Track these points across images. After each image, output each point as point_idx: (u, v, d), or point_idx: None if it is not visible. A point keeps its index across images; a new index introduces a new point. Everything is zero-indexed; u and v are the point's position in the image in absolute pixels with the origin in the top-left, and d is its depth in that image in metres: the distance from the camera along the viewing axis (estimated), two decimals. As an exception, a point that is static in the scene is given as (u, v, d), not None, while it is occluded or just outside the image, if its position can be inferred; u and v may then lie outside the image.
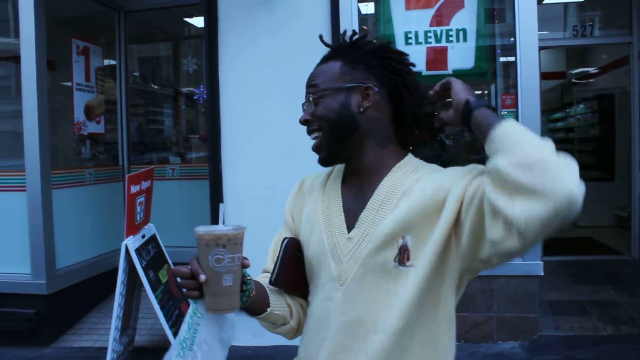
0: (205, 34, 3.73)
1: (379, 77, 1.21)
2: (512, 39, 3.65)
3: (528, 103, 3.61)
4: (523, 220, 0.90)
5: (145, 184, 3.58)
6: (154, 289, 3.35)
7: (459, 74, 3.83)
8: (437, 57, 3.74)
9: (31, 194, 4.03)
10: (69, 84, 4.65)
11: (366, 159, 1.22)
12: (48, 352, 4.03)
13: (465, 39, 3.72)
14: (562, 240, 6.38)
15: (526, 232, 0.91)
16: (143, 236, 3.53)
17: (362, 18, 3.97)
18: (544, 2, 6.11)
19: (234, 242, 1.03)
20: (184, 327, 1.11)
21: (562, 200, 0.88)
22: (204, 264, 1.03)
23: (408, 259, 1.11)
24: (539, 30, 3.62)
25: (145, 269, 3.34)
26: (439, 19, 3.73)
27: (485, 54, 3.83)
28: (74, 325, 4.37)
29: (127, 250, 3.30)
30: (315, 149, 1.24)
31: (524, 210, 0.90)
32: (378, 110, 1.21)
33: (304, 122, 1.25)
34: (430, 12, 3.76)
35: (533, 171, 0.91)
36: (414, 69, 1.28)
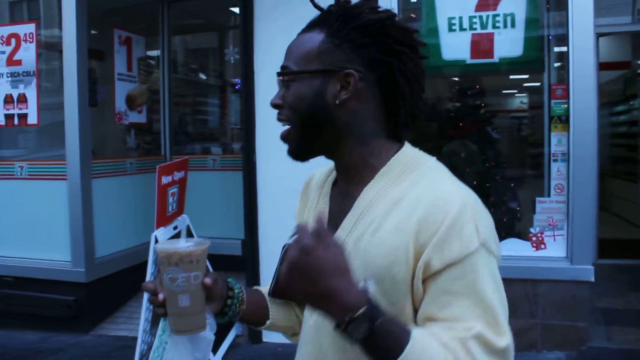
0: (241, 23, 3.65)
1: (368, 59, 0.97)
2: (565, 23, 3.38)
3: (581, 94, 3.33)
4: None
5: (178, 175, 3.54)
6: (184, 282, 3.31)
7: (507, 62, 3.59)
8: (483, 44, 3.51)
9: (71, 183, 4.10)
10: (115, 74, 4.70)
11: (345, 158, 1.02)
12: (87, 339, 4.10)
13: (513, 25, 3.48)
14: (618, 241, 5.98)
15: None
16: (175, 227, 3.50)
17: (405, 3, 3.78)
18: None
19: (187, 260, 0.91)
20: (155, 343, 1.01)
21: None
22: (163, 282, 0.94)
23: None
24: (599, 16, 3.32)
25: (175, 261, 3.30)
26: (485, 4, 3.49)
27: (535, 40, 3.57)
28: (112, 313, 4.43)
29: (157, 242, 3.27)
30: (283, 138, 1.04)
31: None
32: (360, 102, 0.98)
33: (274, 105, 1.04)
34: (476, -4, 3.53)
35: None
36: (424, 61, 1.03)
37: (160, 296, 0.94)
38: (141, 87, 4.98)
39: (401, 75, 0.98)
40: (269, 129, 3.91)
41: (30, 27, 4.30)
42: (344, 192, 1.04)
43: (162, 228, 3.32)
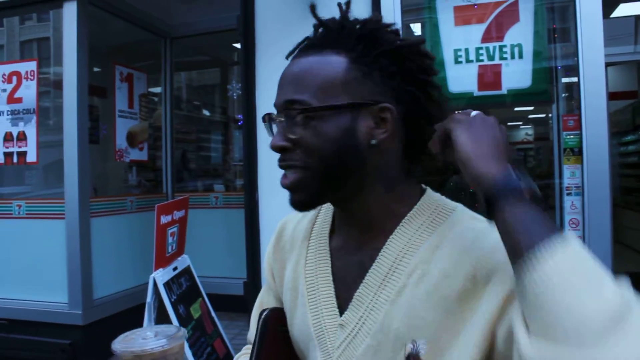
0: (242, 58, 3.59)
1: (396, 90, 0.82)
2: (574, 52, 3.30)
3: (594, 124, 3.24)
4: None
5: (178, 214, 3.44)
6: (184, 325, 3.17)
7: (515, 94, 3.51)
8: (490, 75, 3.43)
9: (70, 222, 3.99)
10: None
11: (366, 208, 0.86)
12: (83, 385, 3.93)
13: (521, 56, 3.40)
14: (634, 275, 5.79)
15: None
16: (175, 268, 3.38)
17: (407, 34, 3.73)
18: (611, 16, 5.67)
19: None
20: None
21: None
22: None
23: None
24: (606, 47, 3.26)
25: (174, 304, 3.17)
26: (491, 35, 3.43)
27: (544, 71, 3.49)
28: (110, 357, 4.25)
29: (155, 284, 3.14)
30: (289, 187, 0.85)
31: None
32: (393, 141, 0.83)
33: (279, 149, 0.84)
34: (482, 27, 3.47)
35: None
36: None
37: None
38: (142, 124, 4.92)
39: (430, 107, 0.84)
40: (272, 167, 3.82)
41: (31, 65, 4.27)
42: (356, 245, 0.88)
43: (160, 269, 3.20)
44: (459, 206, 0.88)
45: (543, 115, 3.95)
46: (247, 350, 1.05)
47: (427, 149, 0.86)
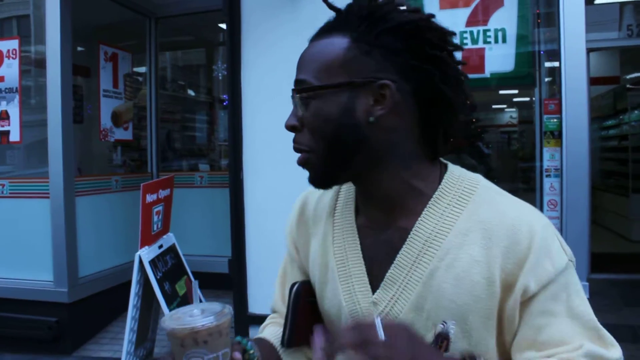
0: (228, 39, 3.59)
1: (403, 67, 0.82)
2: (557, 37, 3.35)
3: (574, 108, 3.30)
4: None
5: (163, 193, 3.46)
6: (169, 302, 3.22)
7: (498, 77, 3.56)
8: (474, 59, 3.48)
9: (54, 201, 3.99)
10: (101, 90, 4.62)
11: (384, 185, 0.87)
12: (69, 361, 3.98)
13: (504, 40, 3.45)
14: (612, 255, 5.94)
15: None
16: (160, 246, 3.41)
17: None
18: (595, 2, 5.72)
19: (217, 335, 0.77)
20: None
21: None
22: None
23: (446, 350, 0.82)
24: (588, 32, 3.31)
25: (160, 281, 3.21)
26: (476, 19, 3.47)
27: (527, 55, 3.54)
28: (96, 334, 4.30)
29: (141, 262, 3.18)
30: (302, 164, 0.89)
31: None
32: (398, 117, 0.83)
33: (290, 128, 0.88)
34: (466, 11, 3.50)
35: None
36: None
37: None
38: (127, 104, 4.90)
39: (444, 83, 0.83)
40: (257, 146, 3.86)
41: (14, 43, 4.22)
42: (383, 224, 0.90)
43: (146, 247, 3.23)
44: (481, 180, 0.90)
45: (528, 99, 4.01)
46: (272, 320, 1.10)
47: (449, 131, 0.88)
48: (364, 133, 0.83)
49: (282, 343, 1.00)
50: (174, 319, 0.79)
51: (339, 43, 0.83)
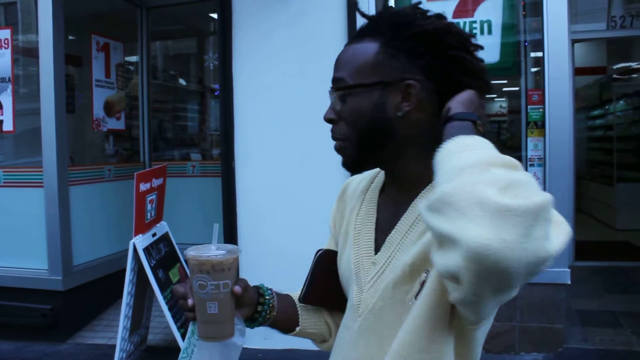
0: (219, 29, 3.64)
1: (426, 68, 0.94)
2: (541, 29, 3.43)
3: (557, 98, 3.39)
4: (443, 271, 0.71)
5: (156, 182, 3.52)
6: (163, 289, 3.29)
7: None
8: (460, 50, 3.55)
9: (48, 190, 4.04)
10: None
11: (402, 171, 1.01)
12: (64, 348, 4.03)
13: (490, 31, 3.52)
14: (595, 244, 6.07)
15: (462, 285, 0.69)
16: (154, 234, 3.48)
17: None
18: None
19: (219, 268, 0.93)
20: (185, 343, 1.06)
21: (475, 252, 0.62)
22: (192, 287, 0.95)
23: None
24: (575, 23, 3.39)
25: (154, 269, 3.28)
26: (463, 10, 3.54)
27: (512, 46, 3.62)
28: (90, 321, 4.37)
29: (135, 249, 3.24)
30: (338, 151, 1.03)
31: (440, 263, 0.71)
32: (422, 112, 0.95)
33: (328, 120, 1.02)
34: (453, 3, 3.57)
35: (441, 213, 0.68)
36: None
37: (190, 301, 0.95)
38: (119, 94, 4.93)
39: (463, 75, 0.94)
40: (248, 135, 3.92)
41: (5, 33, 4.24)
42: (397, 201, 1.03)
43: (140, 235, 3.30)
44: None
45: (517, 89, 4.09)
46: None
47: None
48: (393, 126, 0.96)
49: (299, 298, 1.15)
50: (194, 249, 0.95)
51: (370, 47, 0.96)
